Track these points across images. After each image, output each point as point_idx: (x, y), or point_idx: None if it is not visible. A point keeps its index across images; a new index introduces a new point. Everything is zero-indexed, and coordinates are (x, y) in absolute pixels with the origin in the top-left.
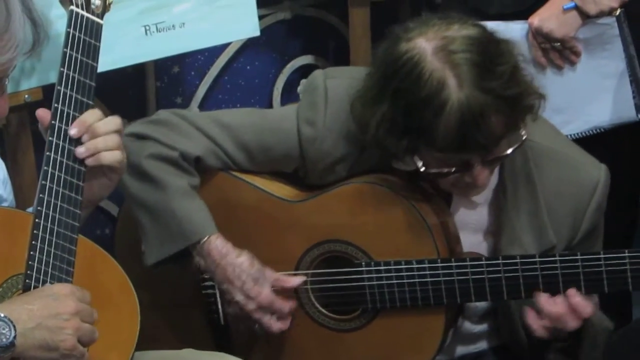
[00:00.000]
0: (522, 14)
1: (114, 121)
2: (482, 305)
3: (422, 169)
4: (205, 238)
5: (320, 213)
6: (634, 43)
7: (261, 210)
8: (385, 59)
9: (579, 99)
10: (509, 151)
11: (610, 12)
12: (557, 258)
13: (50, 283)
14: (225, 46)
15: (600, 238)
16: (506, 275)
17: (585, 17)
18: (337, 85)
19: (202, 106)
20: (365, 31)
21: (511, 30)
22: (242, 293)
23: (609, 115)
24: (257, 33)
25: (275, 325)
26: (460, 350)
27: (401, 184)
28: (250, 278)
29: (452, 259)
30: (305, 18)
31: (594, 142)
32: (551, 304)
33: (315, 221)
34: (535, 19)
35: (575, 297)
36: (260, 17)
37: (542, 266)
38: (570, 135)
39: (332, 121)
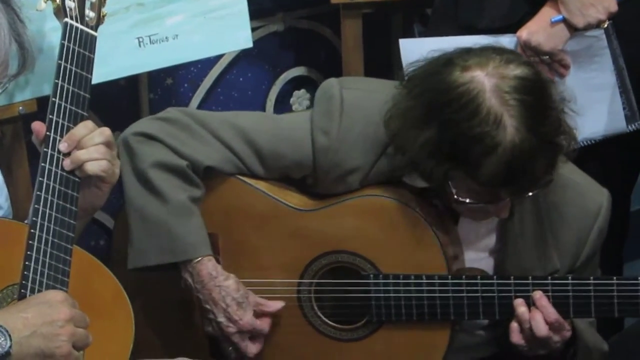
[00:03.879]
0: (511, 28)
1: (103, 133)
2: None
3: (455, 197)
4: (198, 259)
5: (330, 224)
6: (623, 55)
7: (269, 217)
8: (437, 84)
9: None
10: (537, 190)
11: (598, 25)
12: (569, 281)
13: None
14: (218, 58)
15: (597, 262)
16: (517, 294)
17: (573, 29)
18: (353, 97)
19: None
20: (357, 43)
21: (500, 44)
22: (225, 315)
23: (600, 127)
24: (250, 45)
25: (251, 349)
26: (458, 359)
27: (412, 199)
28: (235, 302)
29: (463, 276)
30: (298, 30)
31: (584, 154)
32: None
33: (324, 231)
34: (524, 33)
35: (542, 299)
36: (253, 29)
37: (553, 288)
38: None
39: (346, 132)
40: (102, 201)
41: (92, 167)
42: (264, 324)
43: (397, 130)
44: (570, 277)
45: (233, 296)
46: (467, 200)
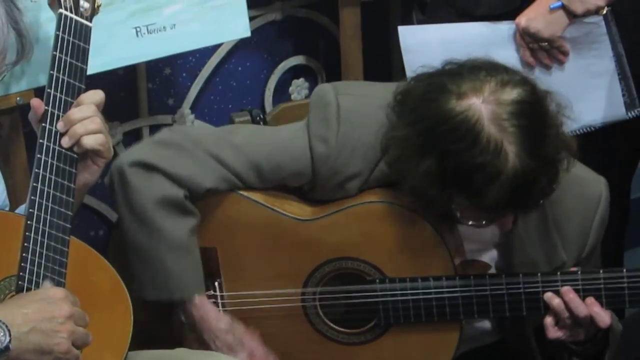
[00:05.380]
0: (509, 15)
1: (93, 97)
2: None
3: (460, 220)
4: (192, 300)
5: (332, 231)
6: (622, 41)
7: (270, 229)
8: (433, 113)
9: (569, 99)
10: (539, 204)
11: (597, 11)
12: (579, 276)
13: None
14: (216, 47)
15: (599, 254)
16: (526, 290)
17: (572, 16)
18: (349, 102)
19: (194, 107)
20: (355, 31)
21: (498, 30)
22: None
23: (600, 113)
24: (248, 34)
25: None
26: (461, 349)
27: (412, 201)
28: (225, 346)
29: (471, 276)
30: (296, 19)
31: (583, 141)
32: (576, 305)
33: (326, 239)
34: (523, 19)
35: (594, 306)
36: (251, 18)
37: (563, 283)
38: None
39: (344, 139)
40: (96, 177)
41: (89, 141)
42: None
43: (396, 157)
44: (579, 272)
45: (224, 339)
46: (471, 223)
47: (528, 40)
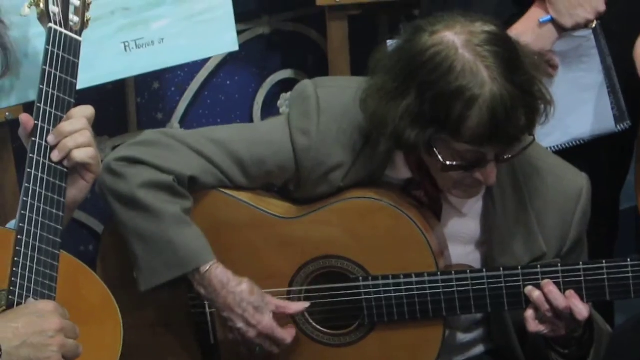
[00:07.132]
0: None
1: (83, 112)
2: (468, 316)
3: (443, 162)
4: (207, 267)
5: (316, 230)
6: (611, 54)
7: (254, 228)
8: (408, 53)
9: (558, 112)
10: (521, 149)
11: (586, 25)
12: (560, 268)
13: (34, 299)
14: (205, 62)
15: (586, 248)
16: (507, 285)
17: (562, 30)
18: (328, 94)
19: (183, 122)
20: (343, 44)
21: None
22: (243, 321)
23: (589, 126)
24: (236, 48)
25: (276, 350)
26: (455, 358)
27: (396, 197)
28: (251, 306)
29: (453, 272)
30: (284, 32)
31: (572, 154)
32: (555, 297)
33: (310, 238)
34: (512, 33)
35: (573, 298)
36: (239, 32)
37: (543, 276)
38: (551, 147)
39: (325, 130)
40: (84, 194)
41: (79, 155)
42: (285, 334)
43: (375, 107)
44: (559, 264)
45: (249, 300)
46: (455, 164)
47: None
